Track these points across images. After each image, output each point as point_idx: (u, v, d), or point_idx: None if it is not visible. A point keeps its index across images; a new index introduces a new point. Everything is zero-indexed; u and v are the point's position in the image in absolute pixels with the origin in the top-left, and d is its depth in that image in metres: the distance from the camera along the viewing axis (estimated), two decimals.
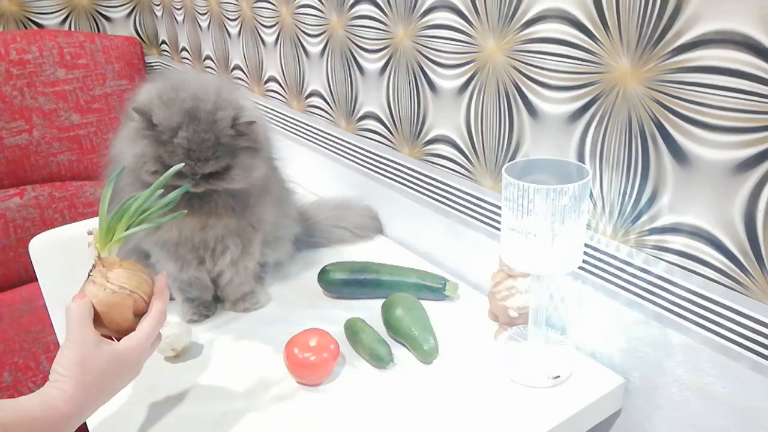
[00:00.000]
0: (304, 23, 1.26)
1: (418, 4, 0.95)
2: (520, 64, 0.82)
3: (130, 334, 0.68)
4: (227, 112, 0.83)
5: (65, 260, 1.17)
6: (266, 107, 1.54)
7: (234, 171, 0.85)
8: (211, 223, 0.88)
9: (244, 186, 0.88)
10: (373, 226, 1.21)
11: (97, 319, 0.67)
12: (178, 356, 0.88)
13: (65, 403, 0.61)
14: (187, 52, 1.89)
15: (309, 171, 1.43)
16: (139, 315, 0.70)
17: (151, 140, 0.82)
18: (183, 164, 0.79)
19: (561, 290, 0.87)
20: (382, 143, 1.15)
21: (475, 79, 0.90)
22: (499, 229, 0.95)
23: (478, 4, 0.85)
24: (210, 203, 0.88)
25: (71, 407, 0.61)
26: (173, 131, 0.80)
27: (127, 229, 0.70)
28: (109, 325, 0.68)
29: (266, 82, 1.50)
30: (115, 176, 0.73)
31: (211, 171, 0.83)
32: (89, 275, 0.69)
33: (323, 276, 1.01)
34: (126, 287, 0.68)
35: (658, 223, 0.72)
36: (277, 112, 1.50)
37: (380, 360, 0.83)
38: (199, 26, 1.74)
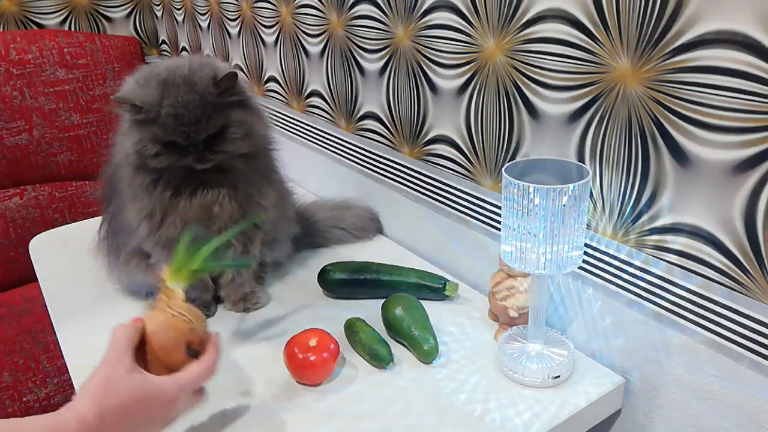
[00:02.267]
0: (304, 23, 1.26)
1: (418, 4, 0.95)
2: (520, 64, 0.82)
3: (174, 374, 0.62)
4: (205, 72, 0.83)
5: (65, 260, 1.17)
6: (266, 107, 1.54)
7: (231, 129, 0.84)
8: (215, 215, 0.88)
9: (248, 148, 0.87)
10: (372, 227, 1.21)
11: (146, 351, 0.64)
12: None
13: (76, 424, 0.55)
14: (187, 52, 1.89)
15: (309, 171, 1.43)
16: (190, 349, 0.67)
17: (143, 123, 0.82)
18: (191, 158, 0.81)
19: (561, 290, 0.87)
20: (382, 143, 1.15)
21: (475, 79, 0.90)
22: (499, 229, 0.95)
23: (478, 4, 0.85)
24: (211, 194, 0.87)
25: (81, 429, 0.54)
26: (158, 104, 0.80)
27: (196, 271, 0.71)
28: (159, 351, 0.65)
29: (266, 82, 1.50)
30: (192, 231, 0.72)
31: (208, 135, 0.82)
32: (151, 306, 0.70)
33: (323, 276, 1.01)
34: (186, 315, 0.67)
35: (658, 223, 0.73)
36: (277, 112, 1.50)
37: (380, 360, 0.83)
38: (199, 26, 1.74)
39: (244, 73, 1.59)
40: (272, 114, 1.52)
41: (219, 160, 0.85)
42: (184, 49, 1.91)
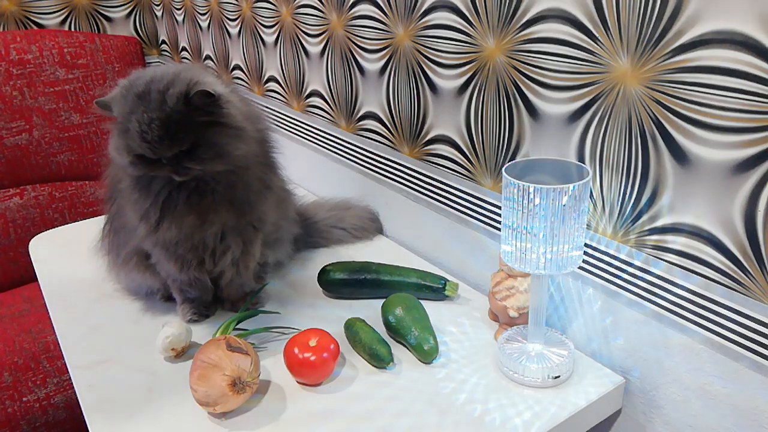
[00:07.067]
0: (304, 23, 1.26)
1: (418, 4, 0.95)
2: (520, 64, 0.82)
3: None
4: (178, 88, 0.79)
5: (65, 260, 1.17)
6: (266, 107, 1.54)
7: (200, 150, 0.80)
8: (210, 219, 0.87)
9: (224, 167, 0.83)
10: (372, 228, 1.21)
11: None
12: (178, 356, 0.88)
13: None
14: (187, 52, 1.89)
15: (309, 171, 1.43)
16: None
17: (120, 132, 0.81)
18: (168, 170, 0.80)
19: (561, 290, 0.87)
20: (382, 143, 1.15)
21: (475, 79, 0.90)
22: (499, 229, 0.95)
23: (478, 4, 0.85)
24: (207, 198, 0.86)
25: None
26: (127, 118, 0.79)
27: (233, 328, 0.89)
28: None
29: (266, 82, 1.50)
30: None
31: (174, 153, 0.80)
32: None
33: (323, 276, 1.01)
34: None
35: (658, 223, 0.73)
36: (277, 112, 1.50)
37: (380, 360, 0.83)
38: (199, 26, 1.74)
39: (244, 72, 1.59)
40: (272, 114, 1.52)
41: (196, 174, 0.83)
42: (184, 49, 1.91)
